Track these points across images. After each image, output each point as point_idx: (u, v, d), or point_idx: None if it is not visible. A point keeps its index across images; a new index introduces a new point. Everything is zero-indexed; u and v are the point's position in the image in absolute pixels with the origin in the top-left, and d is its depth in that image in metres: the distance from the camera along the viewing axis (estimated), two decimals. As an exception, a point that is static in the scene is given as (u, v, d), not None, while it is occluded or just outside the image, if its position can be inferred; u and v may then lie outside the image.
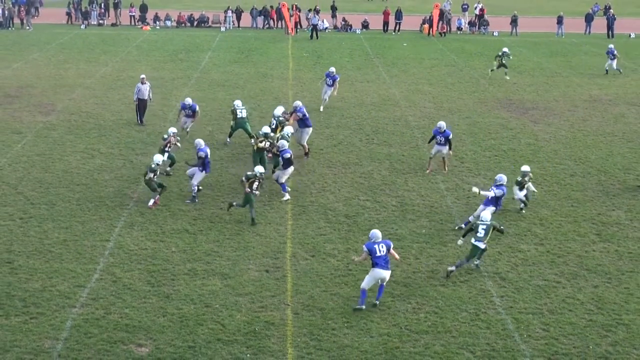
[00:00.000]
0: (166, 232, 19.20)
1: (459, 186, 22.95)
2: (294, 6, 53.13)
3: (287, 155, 21.55)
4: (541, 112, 32.10)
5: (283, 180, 21.52)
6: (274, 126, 24.40)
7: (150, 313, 15.33)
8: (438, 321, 15.35)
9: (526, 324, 15.34)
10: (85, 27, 53.52)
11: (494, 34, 54.52)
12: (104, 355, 13.90)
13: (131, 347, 14.19)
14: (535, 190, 21.23)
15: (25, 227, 19.24)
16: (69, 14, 55.45)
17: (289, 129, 23.70)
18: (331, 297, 16.14)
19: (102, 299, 15.82)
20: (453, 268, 17.18)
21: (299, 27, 53.61)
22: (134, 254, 17.93)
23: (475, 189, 19.91)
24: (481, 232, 17.21)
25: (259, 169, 19.92)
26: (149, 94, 28.59)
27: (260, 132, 22.72)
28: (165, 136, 23.28)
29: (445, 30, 53.65)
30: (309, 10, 53.37)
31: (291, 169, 21.72)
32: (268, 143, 22.28)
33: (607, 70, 40.22)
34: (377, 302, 15.75)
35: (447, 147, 23.45)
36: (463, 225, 19.76)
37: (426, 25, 54.28)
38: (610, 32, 53.77)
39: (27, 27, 52.12)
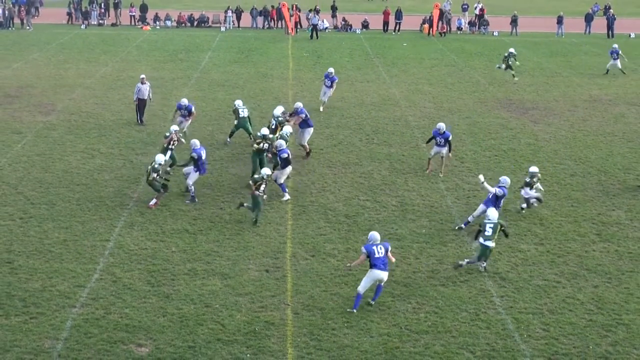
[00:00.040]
0: (166, 232, 19.20)
1: (459, 186, 22.95)
2: (294, 6, 53.13)
3: (285, 154, 21.54)
4: (541, 112, 32.11)
5: (282, 181, 21.51)
6: (273, 126, 24.37)
7: (150, 313, 15.33)
8: (438, 321, 15.35)
9: (526, 324, 15.34)
10: (86, 27, 53.52)
11: (494, 34, 54.53)
12: (104, 355, 13.90)
13: (131, 347, 14.19)
14: (542, 189, 21.22)
15: (25, 227, 19.24)
16: (69, 14, 55.44)
17: (287, 129, 23.68)
18: (331, 297, 16.14)
19: (102, 299, 15.83)
20: (464, 262, 17.29)
21: (299, 27, 53.60)
22: (134, 254, 17.94)
23: (481, 177, 19.95)
24: (489, 231, 17.26)
25: (266, 171, 19.90)
26: (148, 94, 28.60)
27: (259, 134, 22.63)
28: (167, 134, 23.31)
29: (445, 30, 53.66)
30: (310, 11, 53.36)
31: (289, 168, 21.71)
32: (266, 145, 22.17)
33: (607, 70, 40.18)
34: (373, 302, 15.76)
35: (446, 148, 23.39)
36: (463, 226, 19.78)
37: (426, 25, 54.29)
38: (610, 32, 53.78)
39: (27, 27, 52.12)
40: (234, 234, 19.19)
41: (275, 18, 55.24)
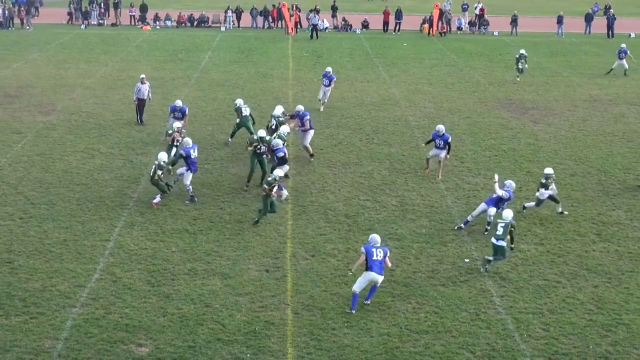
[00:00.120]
0: (166, 232, 19.20)
1: (459, 186, 22.95)
2: (294, 6, 53.13)
3: (281, 154, 21.51)
4: (541, 112, 32.11)
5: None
6: (273, 126, 24.35)
7: (150, 313, 15.33)
8: (438, 321, 15.36)
9: (526, 324, 15.35)
10: (86, 27, 53.51)
11: (494, 33, 54.52)
12: (104, 355, 13.90)
13: (131, 347, 14.19)
14: (556, 190, 21.14)
15: (25, 227, 19.25)
16: (70, 14, 55.43)
17: (285, 129, 23.64)
18: (331, 297, 16.14)
19: (102, 299, 15.83)
20: (488, 266, 17.43)
21: (299, 27, 53.60)
22: (134, 253, 17.94)
23: (496, 176, 19.86)
24: (500, 230, 17.31)
25: (278, 172, 19.85)
26: (148, 94, 28.59)
27: (255, 137, 22.36)
28: (170, 132, 23.35)
29: (445, 30, 53.65)
30: (310, 11, 53.34)
31: (286, 168, 21.65)
32: (264, 147, 22.04)
33: (611, 70, 40.10)
34: (367, 302, 15.77)
35: (445, 150, 23.25)
36: (462, 225, 19.78)
37: (426, 25, 54.28)
38: (610, 32, 53.78)
39: (27, 27, 52.11)
40: (234, 234, 19.19)
41: (276, 18, 55.20)
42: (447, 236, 19.42)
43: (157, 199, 20.67)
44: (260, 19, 55.28)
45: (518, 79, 37.93)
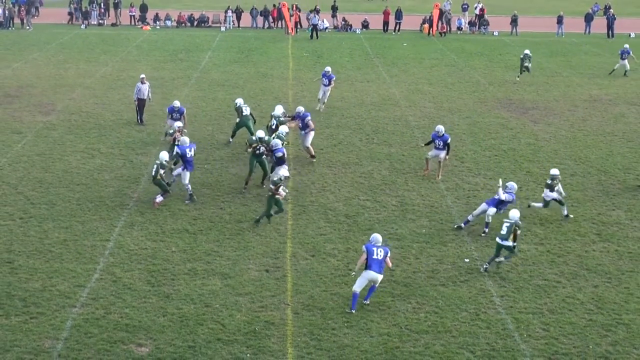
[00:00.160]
0: (166, 232, 19.20)
1: (459, 186, 22.95)
2: (294, 6, 53.12)
3: (280, 154, 21.47)
4: (541, 112, 32.11)
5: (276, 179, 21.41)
6: (273, 126, 24.30)
7: (150, 313, 15.33)
8: (438, 321, 15.36)
9: (526, 324, 15.35)
10: (86, 27, 53.50)
11: (494, 33, 54.52)
12: (104, 355, 13.90)
13: (131, 347, 14.19)
14: (564, 193, 21.07)
15: (25, 227, 19.25)
16: (70, 14, 55.44)
17: (284, 129, 23.62)
18: (331, 297, 16.14)
19: (102, 299, 15.83)
20: (486, 265, 17.49)
21: (299, 27, 53.59)
22: (134, 253, 17.94)
23: (500, 181, 19.85)
24: (504, 230, 17.37)
25: (284, 172, 19.81)
26: (148, 94, 28.58)
27: (254, 138, 22.25)
28: (171, 131, 23.34)
29: (445, 30, 53.64)
30: (310, 11, 53.33)
31: (284, 168, 21.62)
32: (263, 147, 21.99)
33: (614, 70, 40.07)
34: (367, 302, 15.78)
35: (444, 151, 23.20)
36: (462, 225, 19.77)
37: (426, 25, 54.28)
38: (610, 32, 53.78)
39: (27, 27, 52.10)
40: (234, 234, 19.19)
41: (276, 18, 55.17)
42: (447, 236, 19.42)
43: (160, 198, 20.65)
44: (260, 19, 55.27)
45: (518, 78, 37.92)
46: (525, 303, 16.16)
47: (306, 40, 50.19)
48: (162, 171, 20.53)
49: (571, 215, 20.57)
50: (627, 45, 40.53)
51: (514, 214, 17.60)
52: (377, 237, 15.97)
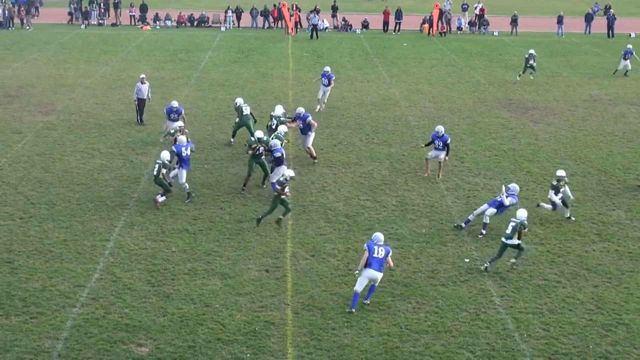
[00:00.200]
0: (166, 232, 19.20)
1: (459, 186, 22.95)
2: (294, 6, 53.12)
3: (278, 154, 21.43)
4: (541, 112, 32.11)
5: (274, 181, 21.38)
6: (274, 126, 24.26)
7: (150, 313, 15.33)
8: (438, 321, 15.36)
9: (526, 324, 15.35)
10: (86, 27, 53.50)
11: (494, 33, 54.52)
12: (104, 355, 13.90)
13: (131, 346, 14.19)
14: (572, 197, 20.98)
15: (25, 227, 19.25)
16: (71, 14, 55.44)
17: (282, 128, 23.61)
18: (331, 297, 16.14)
19: (102, 299, 15.83)
20: (487, 264, 17.50)
21: (299, 27, 53.59)
22: (134, 253, 17.94)
23: (504, 188, 19.74)
24: (509, 229, 17.45)
25: (289, 172, 19.75)
26: (147, 94, 28.58)
27: (252, 139, 22.18)
28: (172, 131, 23.32)
29: (445, 30, 53.64)
30: (310, 12, 53.31)
31: (283, 168, 21.57)
32: (262, 148, 21.95)
33: (617, 70, 40.02)
34: (367, 302, 15.78)
35: (444, 152, 23.15)
36: (463, 224, 19.76)
37: (426, 25, 54.27)
38: (610, 32, 53.77)
39: (27, 27, 52.10)
40: (234, 234, 19.19)
41: (276, 18, 55.12)
42: (447, 236, 19.42)
43: (162, 198, 20.62)
44: (260, 19, 55.27)
45: (519, 77, 37.87)
46: (525, 303, 16.16)
47: (306, 40, 50.20)
48: (164, 171, 20.54)
49: (573, 218, 20.55)
50: (630, 46, 40.48)
51: (521, 213, 17.59)
52: (379, 235, 16.00)
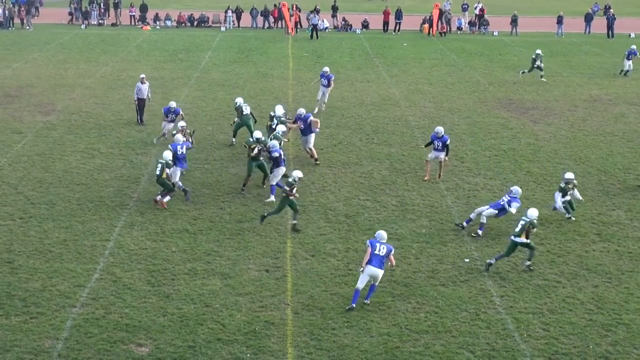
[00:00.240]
0: (166, 232, 19.20)
1: (459, 186, 22.95)
2: (294, 6, 53.12)
3: (276, 154, 21.35)
4: (541, 112, 32.11)
5: (273, 182, 21.30)
6: (274, 126, 24.20)
7: (150, 313, 15.33)
8: (438, 321, 15.36)
9: (526, 324, 15.35)
10: (86, 27, 53.50)
11: (494, 33, 54.52)
12: (104, 355, 13.90)
13: (131, 346, 14.19)
14: (582, 199, 20.89)
15: (25, 227, 19.25)
16: (71, 14, 55.44)
17: (281, 128, 23.59)
18: (331, 297, 16.14)
19: (102, 299, 15.83)
20: (493, 261, 17.47)
21: (299, 27, 53.59)
22: (134, 253, 17.94)
23: (514, 210, 19.34)
24: (518, 227, 17.49)
25: (297, 173, 19.61)
26: (147, 94, 28.58)
27: (251, 139, 22.13)
28: (174, 132, 23.28)
29: (445, 30, 53.64)
30: (310, 12, 53.30)
31: (282, 169, 21.52)
32: (260, 148, 21.88)
33: (622, 71, 39.95)
34: (367, 302, 15.78)
35: (444, 152, 23.06)
36: (465, 223, 19.71)
37: (426, 25, 54.27)
38: (610, 32, 53.78)
39: (27, 27, 52.11)
40: (234, 234, 19.19)
41: (277, 18, 55.09)
42: (447, 236, 19.42)
43: (166, 197, 20.58)
44: (260, 19, 55.27)
45: (521, 75, 37.77)
46: (525, 303, 16.16)
47: (306, 40, 50.20)
48: (168, 170, 20.53)
49: (573, 218, 20.55)
50: (634, 47, 40.37)
51: (532, 212, 17.59)
52: (382, 233, 16.08)
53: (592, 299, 16.40)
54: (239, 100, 26.30)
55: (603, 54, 46.57)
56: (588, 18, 55.70)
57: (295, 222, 19.36)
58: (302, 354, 14.11)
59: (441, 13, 53.84)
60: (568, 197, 20.39)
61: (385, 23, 54.50)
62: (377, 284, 15.90)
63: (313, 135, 24.60)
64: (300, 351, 14.20)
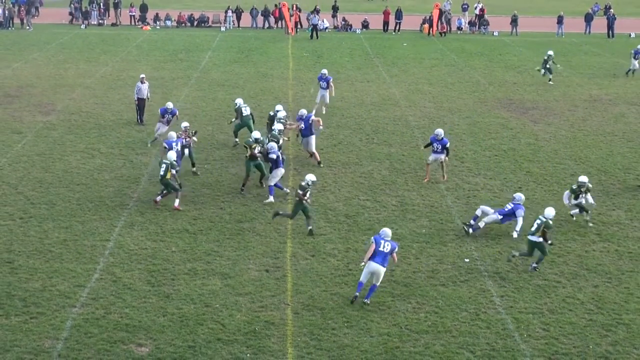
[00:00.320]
0: (166, 232, 19.20)
1: (459, 186, 22.95)
2: (294, 6, 53.13)
3: (273, 156, 21.29)
4: (541, 112, 32.11)
5: (271, 183, 21.27)
6: (279, 128, 24.06)
7: (150, 313, 15.33)
8: (438, 321, 15.36)
9: (526, 324, 15.35)
10: (86, 27, 53.51)
11: (494, 33, 54.52)
12: (104, 355, 13.90)
13: (131, 346, 14.19)
14: (594, 203, 20.72)
15: (25, 227, 19.24)
16: (71, 14, 55.44)
17: (279, 127, 23.55)
18: (331, 297, 16.15)
19: (102, 299, 15.83)
20: (516, 253, 17.62)
21: (299, 26, 53.59)
22: (134, 253, 17.94)
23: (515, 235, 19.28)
24: (534, 226, 17.54)
25: (310, 177, 19.47)
26: (147, 94, 28.57)
27: (251, 140, 22.04)
28: (178, 132, 23.30)
29: (445, 30, 53.65)
30: (311, 12, 53.29)
31: (281, 171, 21.46)
32: (258, 148, 21.86)
33: (629, 70, 39.92)
34: (367, 301, 15.79)
35: (444, 154, 22.93)
36: (472, 221, 19.61)
37: (426, 25, 54.28)
38: (610, 32, 53.78)
39: (27, 27, 52.11)
40: (234, 234, 19.19)
41: (278, 18, 55.04)
42: (447, 236, 19.42)
43: (177, 201, 20.49)
44: (260, 19, 55.27)
45: (551, 82, 36.91)
46: (525, 303, 16.16)
47: (306, 40, 50.20)
48: (173, 171, 20.50)
49: (574, 218, 20.54)
50: (639, 46, 40.32)
51: (549, 212, 17.61)
52: (386, 231, 16.17)
53: (592, 299, 16.40)
54: (239, 102, 26.26)
55: (603, 54, 46.56)
56: (588, 18, 55.71)
57: (310, 227, 19.24)
58: (302, 354, 14.11)
59: (441, 13, 53.85)
60: (582, 200, 20.30)
61: (385, 23, 54.51)
62: (378, 283, 15.90)
63: (314, 137, 24.51)
64: (300, 351, 14.20)
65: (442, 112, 31.49)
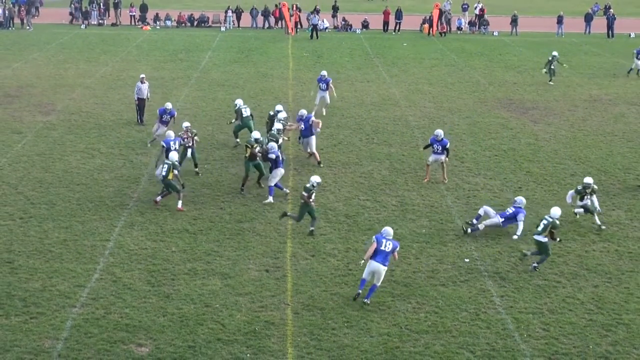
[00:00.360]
0: (166, 232, 19.20)
1: (459, 186, 22.95)
2: (294, 6, 53.12)
3: (273, 156, 21.29)
4: (541, 112, 32.11)
5: (271, 183, 21.27)
6: (278, 127, 24.07)
7: (150, 313, 15.33)
8: (438, 321, 15.36)
9: (526, 324, 15.35)
10: (86, 27, 53.50)
11: (494, 33, 54.51)
12: (104, 355, 13.90)
13: (131, 347, 14.19)
14: (599, 209, 20.59)
15: (25, 227, 19.25)
16: (72, 14, 55.44)
17: (277, 126, 23.53)
18: (331, 297, 16.15)
19: (102, 299, 15.83)
20: (528, 252, 17.66)
21: (299, 26, 53.59)
22: (134, 253, 17.94)
23: (515, 237, 19.39)
24: (540, 226, 17.57)
25: (315, 178, 19.46)
26: (147, 94, 28.57)
27: (250, 140, 22.03)
28: (179, 133, 23.31)
29: (445, 30, 53.64)
30: (311, 12, 53.29)
31: (280, 171, 21.47)
32: (258, 148, 21.85)
33: (635, 70, 39.88)
34: (367, 301, 15.79)
35: (444, 155, 22.89)
36: (474, 220, 19.61)
37: (426, 25, 54.27)
38: (610, 32, 53.77)
39: (27, 27, 52.10)
40: (234, 234, 19.19)
41: (278, 18, 55.02)
42: (447, 236, 19.42)
43: (179, 204, 20.49)
44: (260, 19, 55.26)
45: (551, 83, 36.93)
46: (525, 303, 16.16)
47: (306, 40, 50.20)
48: (175, 172, 20.49)
49: (577, 216, 20.54)
50: None
51: (555, 211, 17.65)
52: (388, 230, 16.20)
53: (592, 299, 16.40)
54: (239, 102, 26.23)
55: (603, 54, 46.56)
56: (588, 18, 55.70)
57: (312, 228, 19.25)
58: (302, 354, 14.11)
59: (441, 13, 53.84)
60: (587, 202, 20.27)
61: (385, 23, 54.50)
62: (379, 284, 15.90)
63: (314, 137, 24.50)
64: (300, 351, 14.20)
65: (442, 112, 31.49)
